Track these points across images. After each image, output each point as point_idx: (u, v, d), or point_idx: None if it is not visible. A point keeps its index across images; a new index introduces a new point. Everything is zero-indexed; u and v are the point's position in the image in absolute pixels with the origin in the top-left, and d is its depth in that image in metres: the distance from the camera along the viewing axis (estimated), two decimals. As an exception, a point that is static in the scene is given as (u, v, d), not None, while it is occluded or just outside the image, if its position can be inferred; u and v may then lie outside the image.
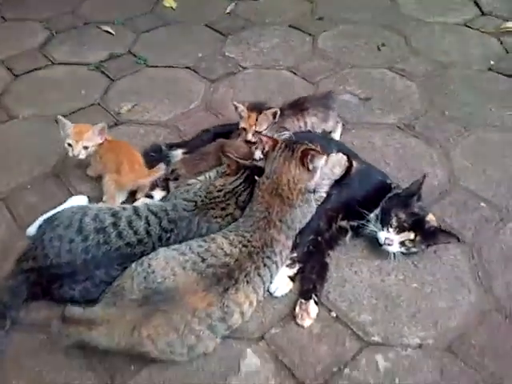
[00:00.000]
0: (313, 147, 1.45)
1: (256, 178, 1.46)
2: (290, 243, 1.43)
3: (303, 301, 1.37)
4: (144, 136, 2.01)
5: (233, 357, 1.29)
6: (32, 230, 1.56)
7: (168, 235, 1.40)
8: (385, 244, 1.47)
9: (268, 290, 1.42)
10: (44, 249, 1.36)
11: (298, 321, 1.35)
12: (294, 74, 2.39)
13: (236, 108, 1.73)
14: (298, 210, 1.43)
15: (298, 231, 1.45)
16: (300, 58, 2.51)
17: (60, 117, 1.67)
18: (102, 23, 2.82)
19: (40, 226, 1.49)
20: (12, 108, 2.18)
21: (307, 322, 1.34)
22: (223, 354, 1.29)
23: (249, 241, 1.34)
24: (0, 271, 1.46)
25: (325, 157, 1.45)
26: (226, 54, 2.55)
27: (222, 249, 1.32)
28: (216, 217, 1.46)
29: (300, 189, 1.43)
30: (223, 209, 1.48)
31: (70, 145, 1.64)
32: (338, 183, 1.55)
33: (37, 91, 2.29)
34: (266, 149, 1.47)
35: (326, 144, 1.64)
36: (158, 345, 1.19)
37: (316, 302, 1.38)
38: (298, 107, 1.80)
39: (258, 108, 1.71)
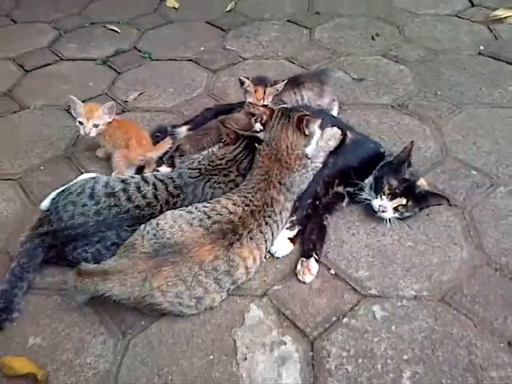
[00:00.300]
0: (307, 113, 1.54)
1: (256, 145, 1.55)
2: (289, 206, 1.51)
3: (304, 259, 1.45)
4: (150, 121, 2.11)
5: (237, 311, 1.36)
6: (45, 203, 1.64)
7: (175, 200, 1.49)
8: (379, 211, 1.54)
9: (269, 252, 1.50)
10: (58, 213, 1.45)
11: (300, 277, 1.42)
12: (293, 62, 2.50)
13: (242, 83, 1.77)
14: (297, 174, 1.51)
15: (296, 196, 1.54)
16: (298, 49, 2.62)
17: (71, 96, 1.77)
18: (107, 23, 2.97)
19: (53, 198, 1.59)
20: (23, 100, 2.30)
21: (308, 278, 1.41)
22: (228, 308, 1.36)
23: (251, 200, 1.42)
24: (18, 243, 1.55)
25: (319, 120, 1.54)
26: (227, 47, 2.68)
27: (227, 208, 1.40)
28: (219, 183, 1.56)
29: (298, 154, 1.52)
30: (226, 175, 1.57)
31: (80, 123, 1.74)
32: (333, 152, 1.64)
33: (47, 84, 2.41)
34: (264, 118, 1.57)
35: (322, 118, 1.73)
36: (168, 296, 1.26)
37: (316, 260, 1.45)
38: (294, 82, 1.90)
39: (263, 82, 1.77)
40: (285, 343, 1.28)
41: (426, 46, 2.57)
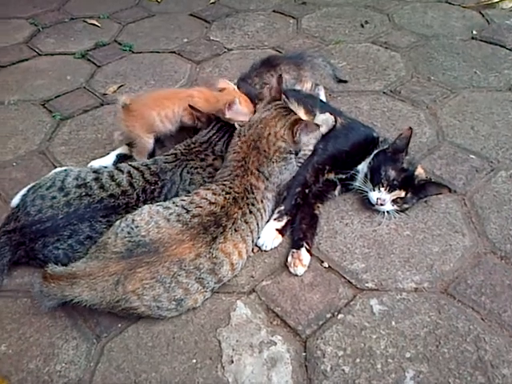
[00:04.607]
0: (307, 121, 1.44)
1: (237, 125, 1.45)
2: (269, 196, 1.40)
3: (295, 250, 1.34)
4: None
5: (223, 309, 1.25)
6: (16, 200, 1.52)
7: (152, 187, 1.40)
8: (377, 204, 1.44)
9: (257, 245, 1.39)
10: (26, 208, 1.34)
11: (291, 269, 1.31)
12: (279, 52, 2.40)
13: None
14: (275, 165, 1.40)
15: (276, 187, 1.43)
16: (285, 38, 2.53)
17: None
18: (87, 18, 2.85)
19: (23, 195, 1.47)
20: (-3, 95, 2.18)
21: (300, 270, 1.31)
22: (212, 307, 1.25)
23: (230, 187, 1.32)
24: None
25: (315, 133, 1.46)
26: (211, 38, 2.57)
27: (206, 198, 1.29)
28: (196, 168, 1.48)
29: (279, 146, 1.41)
30: (202, 160, 1.50)
31: None
32: (323, 137, 1.53)
33: (22, 79, 2.28)
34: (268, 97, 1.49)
35: (313, 103, 1.63)
36: (145, 299, 1.15)
37: (308, 250, 1.34)
38: (269, 63, 1.80)
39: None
40: (275, 343, 1.16)
41: (417, 32, 2.48)
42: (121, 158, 1.72)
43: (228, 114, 1.51)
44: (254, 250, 1.39)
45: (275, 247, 1.40)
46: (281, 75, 1.53)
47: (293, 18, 2.74)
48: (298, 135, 1.40)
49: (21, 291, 1.32)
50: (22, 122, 1.99)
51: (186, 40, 2.55)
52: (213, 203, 1.28)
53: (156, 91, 1.72)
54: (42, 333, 1.21)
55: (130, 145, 1.73)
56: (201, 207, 1.27)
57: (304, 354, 1.14)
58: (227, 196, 1.31)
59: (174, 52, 2.46)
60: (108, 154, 1.74)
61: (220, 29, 2.65)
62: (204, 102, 1.57)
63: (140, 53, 2.48)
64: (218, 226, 1.24)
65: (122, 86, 2.19)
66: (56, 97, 2.12)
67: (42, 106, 2.08)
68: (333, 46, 2.42)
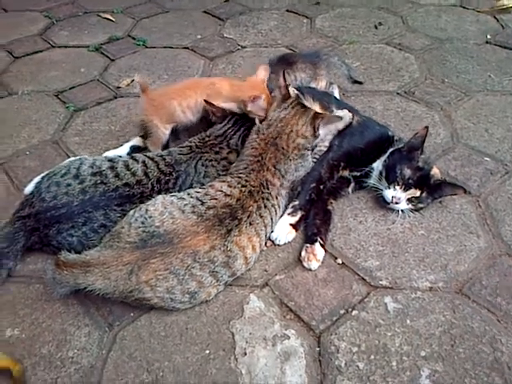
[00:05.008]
0: (327, 114, 1.45)
1: (257, 121, 1.45)
2: (283, 193, 1.40)
3: (308, 245, 1.34)
4: (143, 107, 2.00)
5: (236, 302, 1.24)
6: (29, 187, 1.52)
7: (167, 178, 1.40)
8: (392, 202, 1.43)
9: (270, 239, 1.39)
10: (40, 194, 1.34)
11: (305, 264, 1.31)
12: (293, 50, 2.40)
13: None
14: (292, 163, 1.40)
15: (291, 183, 1.42)
16: (298, 37, 2.53)
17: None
18: (101, 12, 2.86)
19: (38, 182, 1.47)
20: (12, 85, 2.18)
21: (314, 265, 1.30)
22: (226, 299, 1.25)
23: (246, 181, 1.32)
24: None
25: (335, 126, 1.46)
26: (225, 35, 2.57)
27: (221, 191, 1.29)
28: (211, 160, 1.48)
29: (298, 143, 1.41)
30: (217, 153, 1.50)
31: None
32: (339, 134, 1.53)
33: (36, 70, 2.29)
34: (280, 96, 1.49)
35: (328, 100, 1.63)
36: (158, 291, 1.15)
37: (322, 246, 1.34)
38: (285, 61, 1.80)
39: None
40: (288, 337, 1.16)
41: (431, 34, 2.48)
42: (134, 150, 1.71)
43: (250, 107, 1.51)
44: (268, 244, 1.38)
45: (289, 242, 1.39)
46: (284, 72, 1.56)
47: (306, 17, 2.74)
48: (319, 128, 1.40)
49: (34, 277, 1.32)
50: (36, 112, 2.00)
51: (199, 36, 2.56)
52: (228, 195, 1.28)
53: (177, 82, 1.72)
54: (55, 319, 1.21)
55: (143, 136, 1.74)
56: (216, 199, 1.26)
57: (318, 349, 1.14)
58: (243, 189, 1.30)
59: (188, 48, 2.46)
60: (121, 145, 1.75)
61: (233, 26, 2.66)
62: (227, 89, 1.56)
63: (153, 48, 2.48)
64: (234, 219, 1.24)
65: (134, 80, 2.19)
66: (70, 88, 2.13)
67: (55, 96, 2.09)
68: (346, 46, 2.42)
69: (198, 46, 2.47)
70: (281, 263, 1.35)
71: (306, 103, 1.53)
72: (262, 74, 1.60)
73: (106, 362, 1.11)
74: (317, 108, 1.57)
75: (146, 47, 2.49)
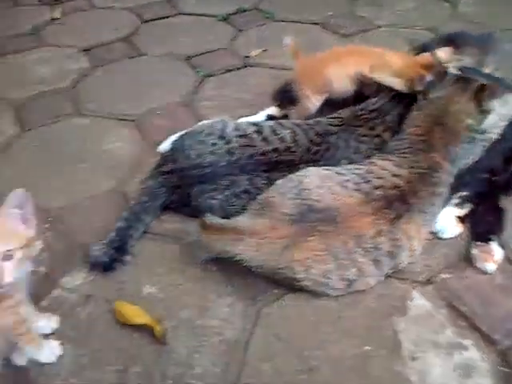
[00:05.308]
0: (493, 84, 1.22)
1: (419, 97, 1.27)
2: (450, 180, 1.19)
3: (480, 243, 1.13)
4: (275, 78, 1.87)
5: (396, 296, 1.07)
6: (165, 145, 1.47)
7: (317, 148, 1.25)
8: None
9: (431, 232, 1.19)
10: (184, 151, 1.26)
11: (479, 264, 1.10)
12: (435, 35, 2.16)
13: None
14: (463, 145, 1.19)
15: (455, 172, 1.22)
16: (439, 21, 2.28)
17: None
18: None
19: (175, 140, 1.40)
20: (141, 47, 2.18)
21: (491, 266, 1.09)
22: (383, 291, 1.08)
23: (415, 161, 1.12)
24: (134, 183, 1.39)
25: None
26: (357, 13, 2.40)
27: (387, 169, 1.11)
28: (365, 135, 1.30)
29: (468, 124, 1.20)
30: (371, 128, 1.31)
31: None
32: (514, 122, 1.29)
33: (165, 35, 2.27)
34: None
35: (495, 81, 1.39)
36: (311, 273, 1.01)
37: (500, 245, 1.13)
38: (450, 42, 1.57)
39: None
40: (466, 348, 0.96)
41: None
42: (271, 120, 1.60)
43: (419, 86, 1.32)
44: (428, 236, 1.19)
45: (454, 236, 1.19)
46: (434, 51, 1.34)
47: (447, 1, 2.48)
48: (485, 103, 1.18)
49: (169, 236, 1.24)
50: (166, 74, 1.97)
51: (330, 13, 2.40)
52: (396, 175, 1.10)
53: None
54: (194, 283, 1.12)
55: (280, 106, 1.62)
56: (382, 178, 1.10)
57: (501, 368, 0.93)
58: (411, 170, 1.12)
59: (318, 24, 2.32)
60: (255, 114, 1.64)
61: (368, 5, 2.47)
62: (398, 63, 1.38)
63: (281, 21, 2.36)
64: (403, 203, 1.06)
65: (265, 50, 2.08)
66: (199, 54, 2.07)
67: (185, 61, 2.04)
68: (499, 33, 2.13)
69: (328, 22, 2.31)
70: (443, 259, 1.15)
71: (470, 76, 1.32)
72: (442, 55, 1.40)
73: (252, 339, 1.00)
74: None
75: (274, 20, 2.38)
